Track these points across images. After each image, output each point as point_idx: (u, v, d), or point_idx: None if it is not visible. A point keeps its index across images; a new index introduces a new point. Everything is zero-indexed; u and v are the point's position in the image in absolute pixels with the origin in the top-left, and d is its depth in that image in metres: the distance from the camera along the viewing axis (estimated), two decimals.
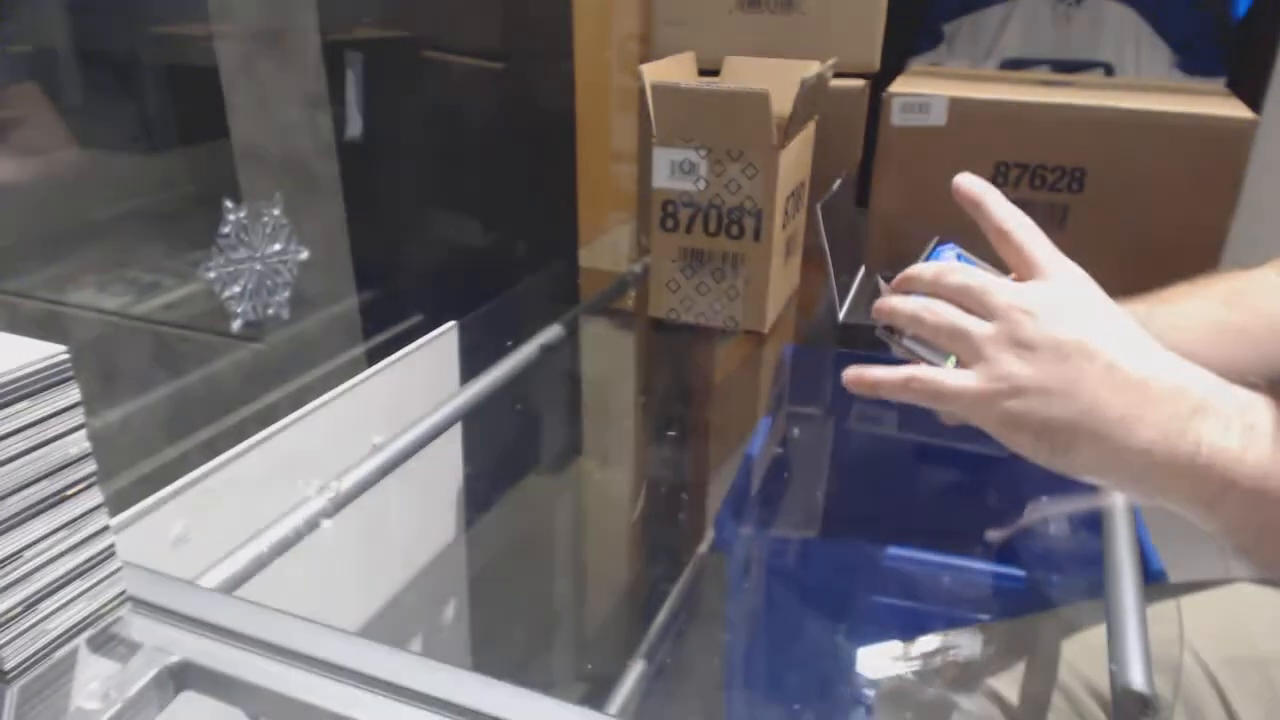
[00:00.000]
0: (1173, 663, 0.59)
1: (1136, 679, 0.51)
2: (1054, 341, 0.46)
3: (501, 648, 1.20)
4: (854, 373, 0.53)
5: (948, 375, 0.49)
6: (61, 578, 0.38)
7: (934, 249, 0.56)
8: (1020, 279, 0.50)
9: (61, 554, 0.38)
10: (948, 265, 0.52)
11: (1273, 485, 0.43)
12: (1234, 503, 0.44)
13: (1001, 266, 0.52)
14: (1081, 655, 0.63)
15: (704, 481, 1.36)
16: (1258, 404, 0.45)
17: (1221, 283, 0.60)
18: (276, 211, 0.82)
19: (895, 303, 0.53)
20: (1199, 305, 0.59)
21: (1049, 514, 0.98)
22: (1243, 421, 0.44)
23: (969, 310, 0.50)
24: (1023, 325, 0.47)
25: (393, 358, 0.88)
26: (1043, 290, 0.48)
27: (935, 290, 0.51)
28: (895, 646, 0.76)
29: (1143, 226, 1.02)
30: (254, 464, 0.71)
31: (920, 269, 0.53)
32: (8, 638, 0.36)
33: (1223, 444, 0.44)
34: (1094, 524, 0.70)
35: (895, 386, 0.51)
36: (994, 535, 1.02)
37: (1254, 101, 1.15)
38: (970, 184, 0.52)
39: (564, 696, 0.38)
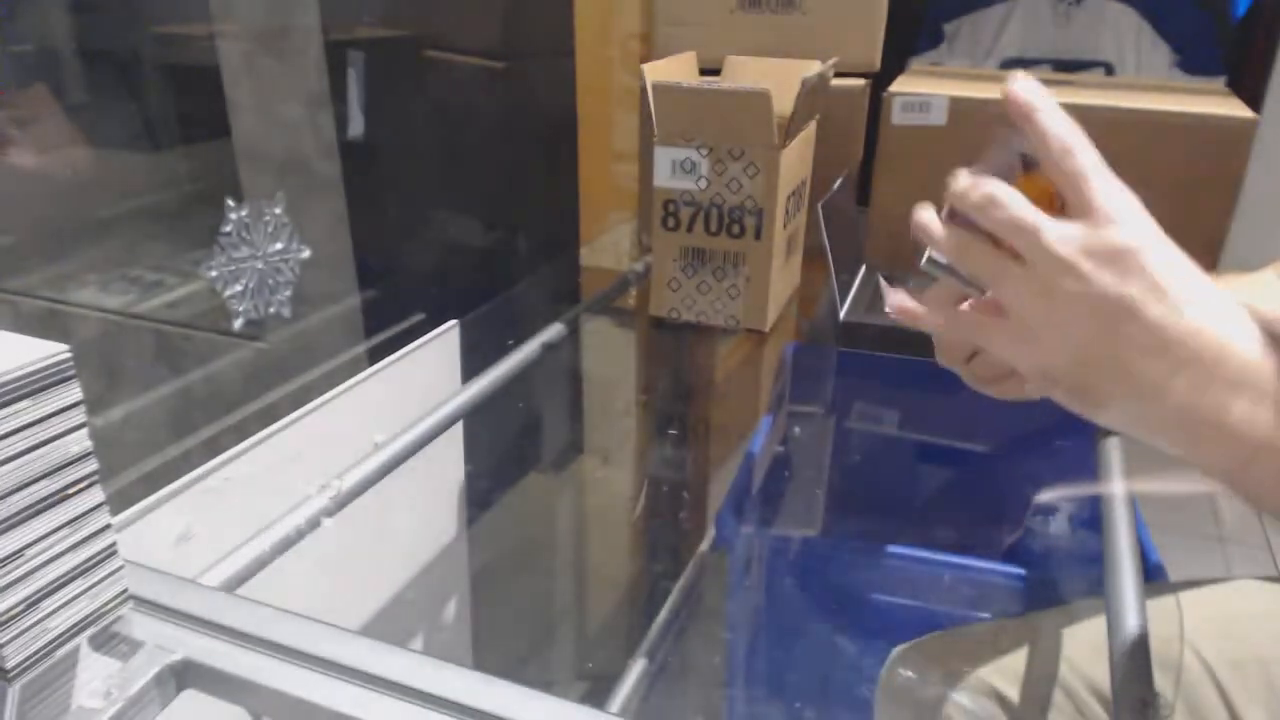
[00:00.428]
0: (1174, 661, 0.59)
1: (1137, 677, 0.51)
2: (1094, 299, 0.44)
3: (503, 646, 1.20)
4: (899, 300, 0.52)
5: (988, 321, 0.49)
6: (63, 576, 0.38)
7: (997, 147, 0.51)
8: (1069, 212, 0.46)
9: (63, 552, 0.38)
10: (999, 194, 0.47)
11: None
12: (1264, 471, 0.44)
13: None
14: (1082, 653, 0.63)
15: (705, 480, 1.36)
16: None
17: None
18: (278, 210, 0.82)
19: (938, 231, 0.50)
20: None
21: (1055, 497, 0.98)
22: (1278, 396, 0.43)
23: (1014, 248, 0.46)
24: (1064, 283, 0.44)
25: (394, 356, 0.88)
26: (1094, 239, 0.44)
27: (983, 219, 0.47)
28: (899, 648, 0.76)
29: None
30: (256, 462, 0.71)
31: (968, 189, 0.47)
32: (9, 636, 0.36)
33: (1251, 418, 0.43)
34: (1093, 522, 0.70)
35: (937, 322, 0.51)
36: (1010, 538, 1.02)
37: (1254, 101, 1.15)
38: (1025, 91, 0.46)
39: (565, 695, 0.38)
